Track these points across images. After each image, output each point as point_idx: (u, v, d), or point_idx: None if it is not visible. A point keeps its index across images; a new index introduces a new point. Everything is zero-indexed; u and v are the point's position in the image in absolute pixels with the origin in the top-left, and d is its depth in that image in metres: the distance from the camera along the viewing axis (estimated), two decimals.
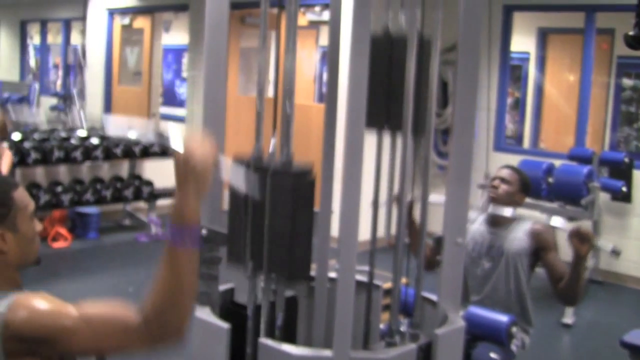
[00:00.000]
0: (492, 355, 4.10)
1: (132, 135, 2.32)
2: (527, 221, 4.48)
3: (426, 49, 2.79)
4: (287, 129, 2.66)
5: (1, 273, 2.28)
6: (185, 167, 2.08)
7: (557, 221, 4.40)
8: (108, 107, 13.36)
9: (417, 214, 3.27)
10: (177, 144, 2.17)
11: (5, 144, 7.77)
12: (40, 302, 2.14)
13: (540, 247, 4.36)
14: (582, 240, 3.84)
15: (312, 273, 3.01)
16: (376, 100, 2.71)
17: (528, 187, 4.54)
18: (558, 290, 4.19)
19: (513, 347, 4.19)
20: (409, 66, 2.70)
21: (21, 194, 2.33)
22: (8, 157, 7.62)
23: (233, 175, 2.35)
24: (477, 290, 4.49)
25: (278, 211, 2.56)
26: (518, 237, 4.41)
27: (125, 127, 2.35)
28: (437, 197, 3.13)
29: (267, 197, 2.59)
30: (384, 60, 2.82)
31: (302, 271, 2.62)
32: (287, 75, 2.70)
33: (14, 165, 8.38)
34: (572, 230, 3.85)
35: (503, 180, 4.49)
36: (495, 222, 4.50)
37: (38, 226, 2.41)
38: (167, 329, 2.09)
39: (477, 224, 4.56)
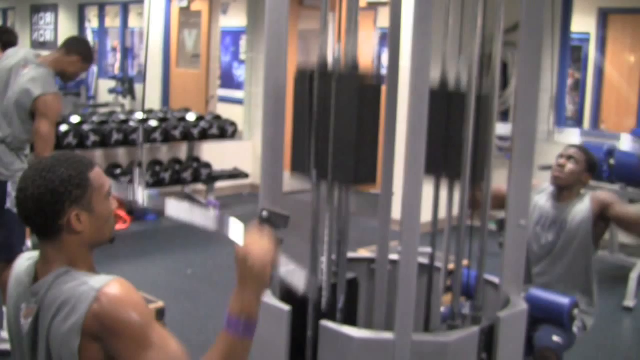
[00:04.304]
0: (555, 338, 4.07)
1: (193, 220, 2.33)
2: (588, 194, 4.44)
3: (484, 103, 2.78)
4: None
5: (77, 253, 2.30)
6: (244, 265, 2.11)
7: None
8: (166, 90, 13.44)
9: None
10: (237, 237, 2.18)
11: None
12: (137, 301, 2.16)
13: (604, 207, 4.33)
14: None
15: (373, 255, 3.01)
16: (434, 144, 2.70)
17: (594, 167, 4.46)
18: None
19: (575, 329, 4.16)
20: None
21: (97, 174, 2.33)
22: None
23: (291, 275, 2.30)
24: (538, 262, 4.48)
25: (344, 116, 2.57)
26: (581, 209, 4.36)
27: (185, 211, 2.36)
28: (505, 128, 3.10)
29: (333, 103, 2.60)
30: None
31: (369, 174, 2.63)
32: (348, 57, 2.70)
33: (73, 148, 8.44)
34: None
35: (570, 158, 4.42)
36: (560, 197, 4.46)
37: (114, 205, 2.42)
38: None
39: (544, 199, 4.52)
